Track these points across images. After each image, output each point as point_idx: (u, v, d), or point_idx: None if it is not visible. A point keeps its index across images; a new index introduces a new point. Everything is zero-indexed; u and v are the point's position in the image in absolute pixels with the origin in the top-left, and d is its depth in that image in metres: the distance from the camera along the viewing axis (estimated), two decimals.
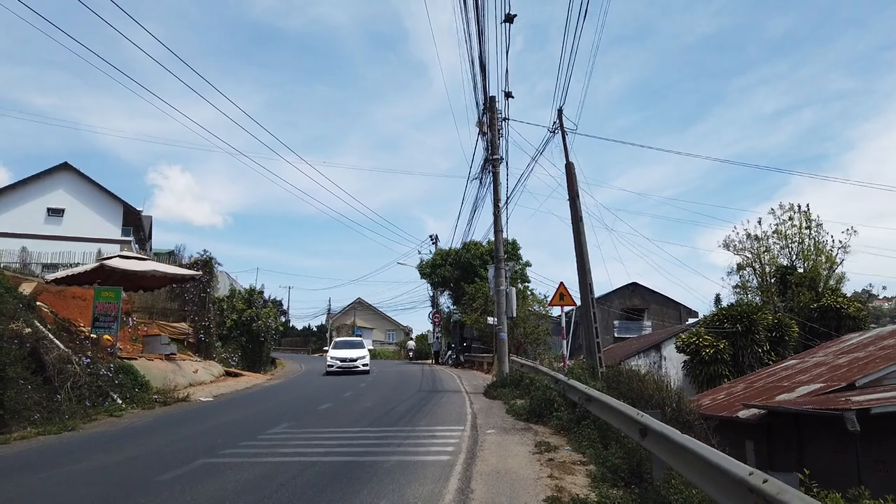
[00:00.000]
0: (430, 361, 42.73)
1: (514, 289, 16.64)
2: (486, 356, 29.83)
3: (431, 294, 44.35)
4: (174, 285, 25.77)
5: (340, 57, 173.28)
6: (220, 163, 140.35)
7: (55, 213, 37.24)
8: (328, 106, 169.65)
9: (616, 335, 37.40)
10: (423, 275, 37.24)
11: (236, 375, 23.42)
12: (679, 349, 26.55)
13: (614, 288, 38.18)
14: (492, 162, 16.32)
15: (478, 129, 16.22)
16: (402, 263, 45.29)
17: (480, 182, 17.57)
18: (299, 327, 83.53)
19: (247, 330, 26.77)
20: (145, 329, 24.56)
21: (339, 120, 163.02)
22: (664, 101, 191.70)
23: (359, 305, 76.97)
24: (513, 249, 36.81)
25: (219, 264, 36.52)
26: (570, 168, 14.66)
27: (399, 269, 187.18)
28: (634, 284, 38.26)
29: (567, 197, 14.72)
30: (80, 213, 37.07)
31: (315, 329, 78.33)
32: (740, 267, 37.15)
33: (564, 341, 16.11)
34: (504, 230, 16.77)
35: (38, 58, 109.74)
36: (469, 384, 19.78)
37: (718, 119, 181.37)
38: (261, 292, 41.75)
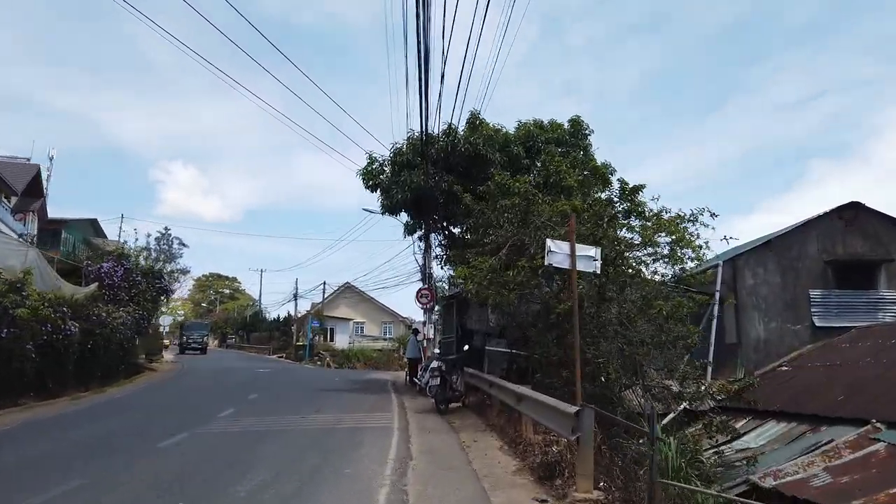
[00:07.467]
0: (404, 377, 22.03)
1: None
2: (520, 396, 8.56)
3: (421, 262, 22.68)
4: None
5: (354, 51, 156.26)
6: (230, 161, 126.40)
7: None
8: (343, 101, 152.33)
9: (817, 322, 16.44)
10: (373, 187, 16.33)
11: None
12: None
13: (806, 218, 16.80)
14: None
15: None
16: (368, 210, 22.83)
17: None
18: (273, 318, 64.09)
19: None
20: None
21: (354, 115, 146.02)
22: (680, 91, 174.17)
23: (347, 291, 57.30)
24: (602, 174, 15.95)
25: None
26: None
27: (397, 244, 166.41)
28: (854, 206, 16.81)
29: None
30: None
31: (282, 321, 57.85)
32: None
33: None
34: None
35: (58, 58, 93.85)
36: None
37: (736, 108, 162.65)
38: None
